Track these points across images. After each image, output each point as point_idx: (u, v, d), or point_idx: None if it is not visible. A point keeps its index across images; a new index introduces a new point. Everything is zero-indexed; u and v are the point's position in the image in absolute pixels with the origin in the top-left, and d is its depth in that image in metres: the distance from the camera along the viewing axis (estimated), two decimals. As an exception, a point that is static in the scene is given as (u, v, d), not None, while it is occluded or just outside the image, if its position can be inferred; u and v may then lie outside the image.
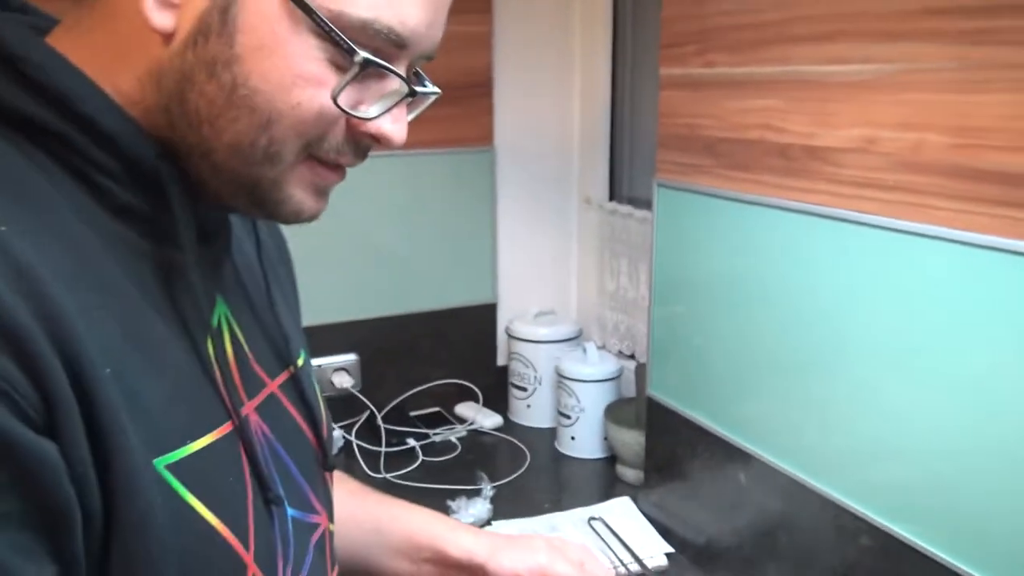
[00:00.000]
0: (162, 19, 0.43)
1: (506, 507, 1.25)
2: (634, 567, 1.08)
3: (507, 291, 1.69)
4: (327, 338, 1.51)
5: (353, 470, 1.39)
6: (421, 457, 1.43)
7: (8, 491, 0.36)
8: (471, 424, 1.55)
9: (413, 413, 1.58)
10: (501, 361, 1.69)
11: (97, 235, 0.43)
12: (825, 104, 0.85)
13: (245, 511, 0.48)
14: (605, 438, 1.41)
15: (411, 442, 1.47)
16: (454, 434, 1.51)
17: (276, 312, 0.58)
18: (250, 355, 0.55)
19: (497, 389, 1.64)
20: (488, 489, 1.26)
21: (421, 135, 1.57)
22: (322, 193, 0.50)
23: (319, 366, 1.52)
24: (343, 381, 1.53)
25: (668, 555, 1.11)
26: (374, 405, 1.53)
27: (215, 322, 0.51)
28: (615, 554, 1.09)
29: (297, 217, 0.49)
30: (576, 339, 1.56)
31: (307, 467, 0.58)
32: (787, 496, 0.96)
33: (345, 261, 1.52)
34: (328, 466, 0.61)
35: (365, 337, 1.56)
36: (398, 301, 1.59)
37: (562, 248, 1.74)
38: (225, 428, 0.48)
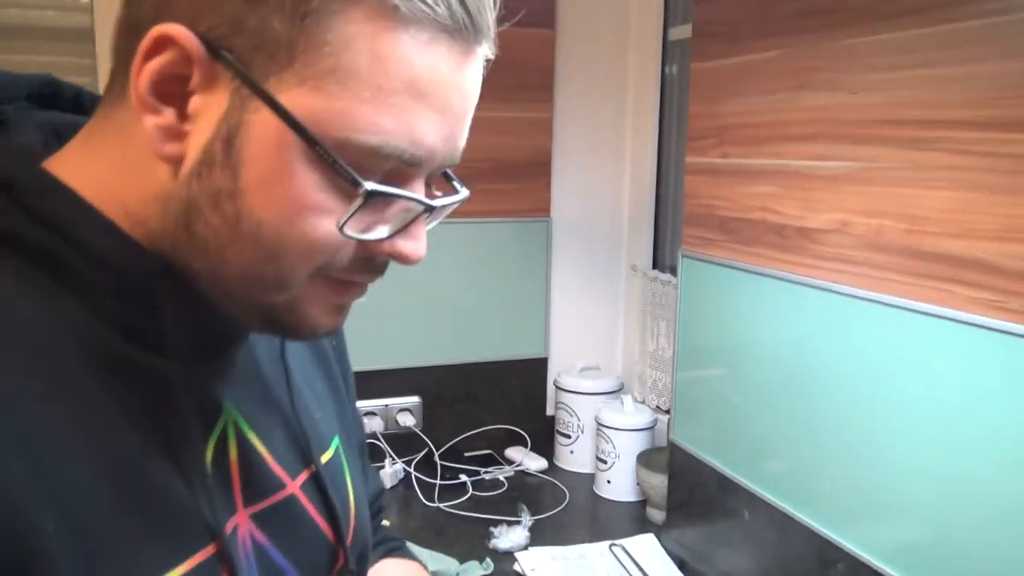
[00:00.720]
0: (169, 148, 0.42)
1: (542, 537, 1.40)
2: (649, 592, 1.21)
3: (557, 347, 1.87)
4: (394, 381, 1.72)
5: (410, 500, 1.58)
6: (471, 491, 1.60)
7: None
8: (518, 465, 1.71)
9: (467, 453, 1.76)
10: (549, 411, 1.86)
11: (89, 356, 0.43)
12: (810, 192, 1.02)
13: None
14: (638, 483, 1.55)
15: (463, 478, 1.64)
16: (502, 473, 1.68)
17: (296, 409, 0.57)
18: (268, 457, 0.53)
19: (544, 435, 1.80)
20: (527, 519, 1.41)
21: (487, 205, 1.81)
22: (340, 309, 0.49)
23: (386, 406, 1.72)
24: (406, 420, 1.72)
25: (683, 585, 1.24)
26: (432, 443, 1.71)
27: (218, 430, 0.50)
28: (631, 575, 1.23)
29: (313, 335, 0.48)
30: (617, 392, 1.71)
31: (314, 568, 0.56)
32: (784, 531, 1.09)
33: (414, 314, 1.73)
34: (348, 569, 0.58)
35: (428, 382, 1.75)
36: (459, 352, 1.79)
37: (609, 310, 1.91)
38: (207, 551, 0.46)
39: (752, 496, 1.15)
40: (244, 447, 0.52)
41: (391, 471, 1.64)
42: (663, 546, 1.35)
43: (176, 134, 0.42)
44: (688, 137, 1.29)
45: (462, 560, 1.30)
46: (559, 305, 1.87)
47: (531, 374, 1.85)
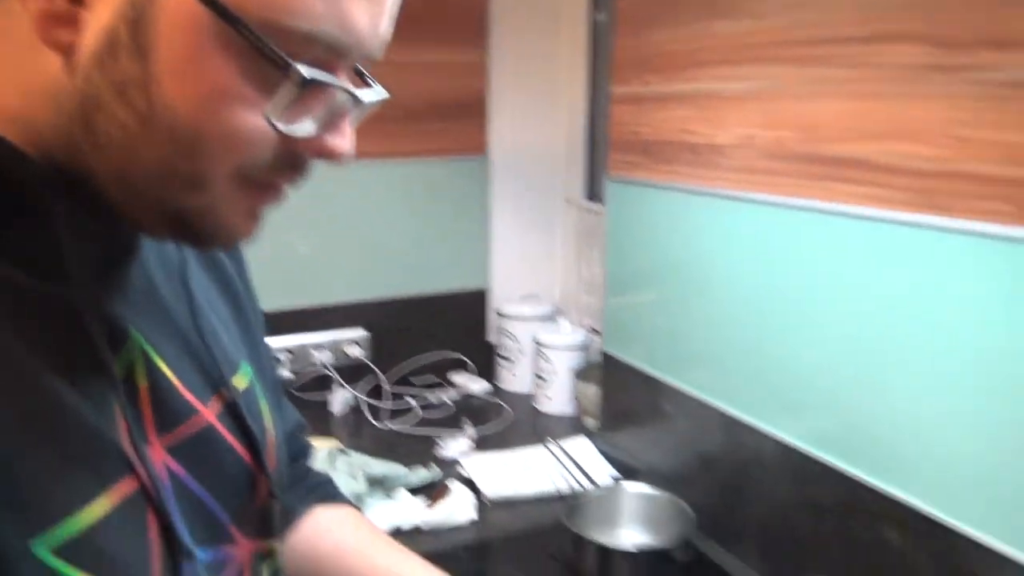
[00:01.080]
0: (59, 35, 0.38)
1: (487, 447, 1.51)
2: (585, 482, 1.34)
3: (498, 278, 1.97)
4: (343, 315, 1.80)
5: (360, 424, 1.67)
6: (420, 414, 1.69)
7: None
8: (463, 389, 1.81)
9: (414, 379, 1.85)
10: (491, 338, 1.96)
11: None
12: (720, 112, 1.13)
13: (148, 573, 0.44)
14: (575, 397, 1.67)
15: (411, 401, 1.73)
16: (448, 396, 1.78)
17: (201, 331, 0.54)
18: (177, 383, 0.50)
19: (487, 361, 1.91)
20: (470, 430, 1.52)
21: (427, 144, 1.89)
22: (256, 214, 0.46)
23: (334, 340, 1.79)
24: (355, 352, 1.80)
25: (614, 478, 1.37)
26: (381, 372, 1.80)
27: (125, 358, 0.47)
28: (568, 471, 1.35)
29: (227, 244, 0.46)
30: (554, 316, 1.83)
31: (235, 498, 0.53)
32: (702, 420, 1.22)
33: (360, 251, 1.80)
34: (272, 493, 0.56)
35: (376, 315, 1.83)
36: (406, 285, 1.87)
37: (547, 241, 2.02)
38: (126, 484, 0.43)
39: (674, 391, 1.27)
40: (153, 374, 0.48)
41: (342, 398, 1.72)
42: (595, 446, 1.48)
43: (67, 18, 0.38)
44: (612, 69, 1.38)
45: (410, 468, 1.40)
46: (499, 238, 1.96)
47: (473, 304, 1.95)
